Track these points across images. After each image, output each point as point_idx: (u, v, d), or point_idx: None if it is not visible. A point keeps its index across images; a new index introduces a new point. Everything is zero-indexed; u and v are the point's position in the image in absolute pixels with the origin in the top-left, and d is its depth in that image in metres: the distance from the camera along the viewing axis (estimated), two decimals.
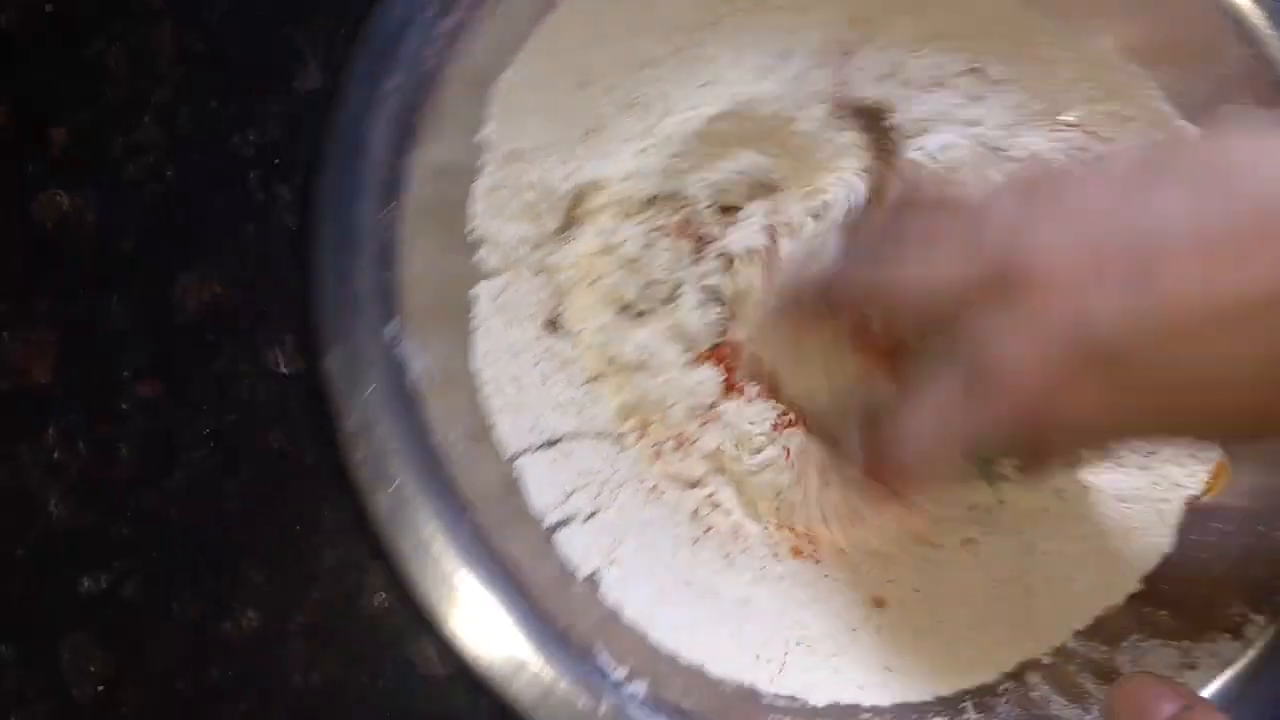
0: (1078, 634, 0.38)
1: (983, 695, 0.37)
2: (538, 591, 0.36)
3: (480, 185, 0.41)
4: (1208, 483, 0.40)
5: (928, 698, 0.37)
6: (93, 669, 0.38)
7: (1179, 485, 0.40)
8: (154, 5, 0.43)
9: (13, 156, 0.42)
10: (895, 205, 0.34)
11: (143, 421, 0.40)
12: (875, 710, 0.37)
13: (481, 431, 0.39)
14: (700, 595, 0.39)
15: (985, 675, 0.38)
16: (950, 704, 0.37)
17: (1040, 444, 0.28)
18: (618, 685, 0.35)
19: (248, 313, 0.41)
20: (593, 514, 0.40)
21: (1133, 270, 0.25)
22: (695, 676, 0.37)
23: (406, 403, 0.38)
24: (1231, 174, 0.25)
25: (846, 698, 0.37)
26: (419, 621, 0.38)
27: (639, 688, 0.35)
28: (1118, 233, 0.26)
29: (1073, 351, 0.26)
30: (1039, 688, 0.37)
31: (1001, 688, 0.38)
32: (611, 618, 0.38)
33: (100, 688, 0.38)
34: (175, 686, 0.38)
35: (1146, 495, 0.40)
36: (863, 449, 0.36)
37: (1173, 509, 0.39)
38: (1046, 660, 0.38)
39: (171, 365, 0.40)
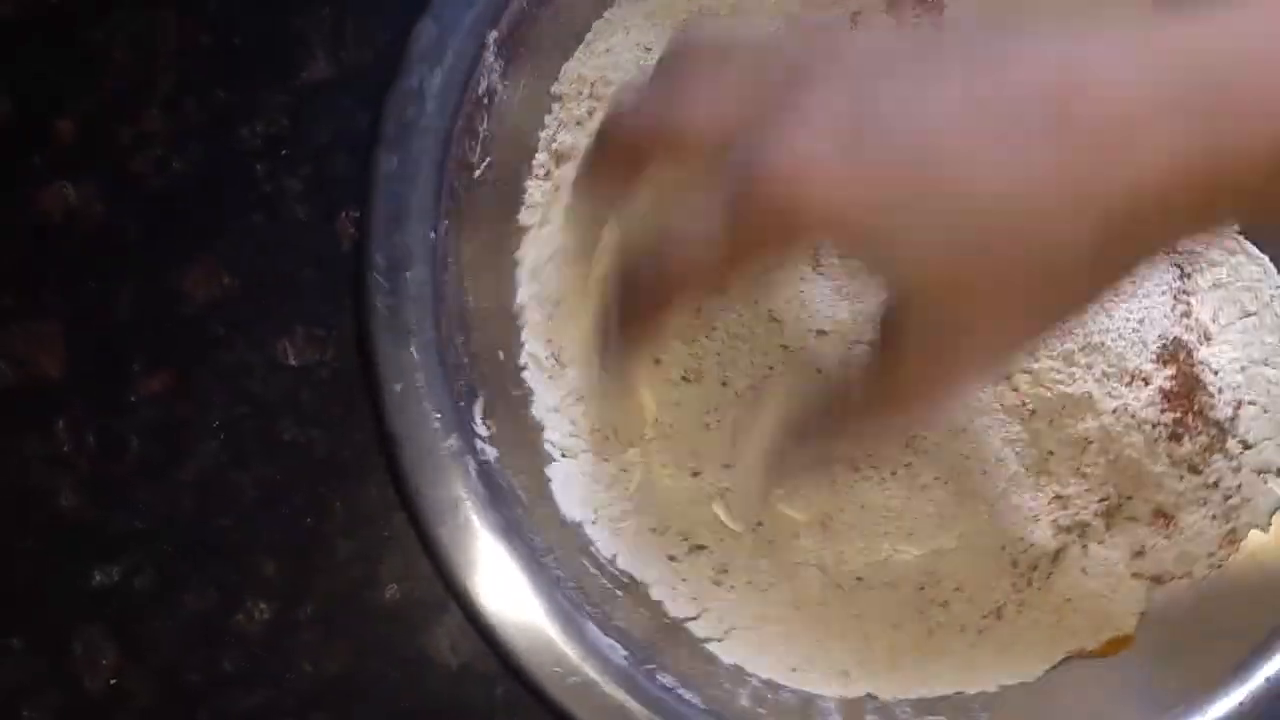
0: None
1: None
2: (563, 579, 0.36)
3: None
4: (1104, 644, 0.38)
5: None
6: (104, 661, 0.38)
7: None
8: None
9: (18, 149, 0.41)
10: (666, 54, 0.32)
11: (152, 414, 0.40)
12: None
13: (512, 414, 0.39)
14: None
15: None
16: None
17: (787, 234, 0.27)
18: (648, 674, 0.35)
19: (257, 304, 0.40)
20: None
21: (885, 73, 0.27)
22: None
23: (446, 389, 0.37)
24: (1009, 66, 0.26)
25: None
26: (431, 613, 0.38)
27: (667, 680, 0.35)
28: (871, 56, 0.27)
29: (835, 136, 0.26)
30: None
31: None
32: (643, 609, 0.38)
33: (112, 680, 0.38)
34: (187, 678, 0.38)
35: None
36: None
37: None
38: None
39: (180, 357, 0.40)
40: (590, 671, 0.34)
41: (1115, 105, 0.25)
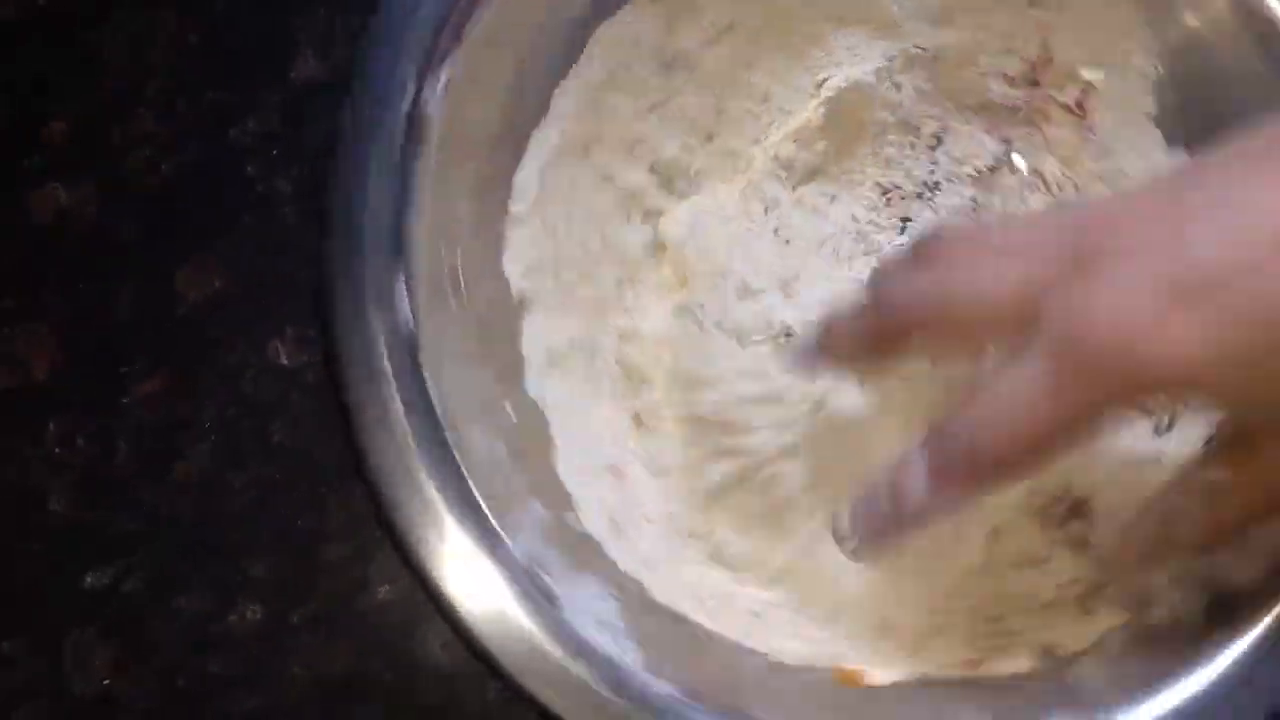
0: None
1: None
2: (553, 580, 0.35)
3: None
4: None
5: None
6: (97, 664, 0.38)
7: None
8: None
9: (10, 150, 0.41)
10: (924, 235, 0.32)
11: (144, 415, 0.40)
12: None
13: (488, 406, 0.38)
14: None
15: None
16: None
17: (1131, 393, 0.27)
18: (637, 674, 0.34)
19: (249, 305, 0.40)
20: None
21: (1205, 214, 0.25)
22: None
23: (421, 392, 0.36)
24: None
25: None
26: (424, 613, 0.38)
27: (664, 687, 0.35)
28: (1188, 199, 0.26)
29: (1163, 289, 0.25)
30: None
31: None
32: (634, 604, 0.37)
33: (105, 682, 0.38)
34: (179, 681, 0.38)
35: None
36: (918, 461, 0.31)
37: None
38: None
39: (173, 359, 0.40)
40: (581, 672, 0.33)
41: None
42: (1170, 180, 0.29)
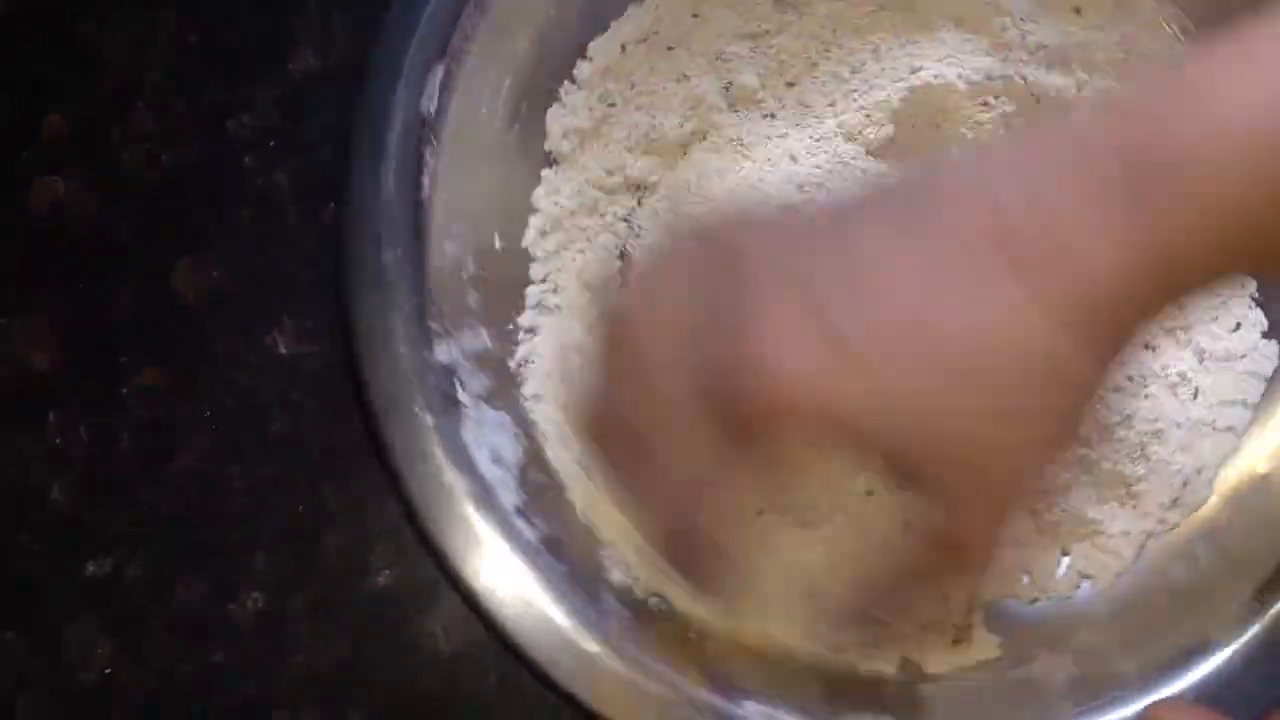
0: None
1: None
2: (560, 570, 0.35)
3: None
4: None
5: None
6: (97, 653, 0.38)
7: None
8: None
9: (9, 144, 0.42)
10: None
11: (144, 407, 0.40)
12: None
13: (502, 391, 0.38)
14: None
15: None
16: None
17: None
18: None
19: (247, 297, 0.41)
20: None
21: (856, 294, 0.26)
22: None
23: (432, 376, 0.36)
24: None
25: None
26: (423, 602, 0.38)
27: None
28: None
29: (816, 338, 0.26)
30: None
31: None
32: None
33: (106, 671, 0.38)
34: (179, 669, 0.38)
35: None
36: None
37: None
38: None
39: (172, 351, 0.40)
40: (592, 647, 0.33)
41: (1053, 217, 0.25)
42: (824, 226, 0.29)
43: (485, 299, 0.38)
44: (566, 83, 0.40)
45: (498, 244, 0.39)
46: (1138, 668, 0.35)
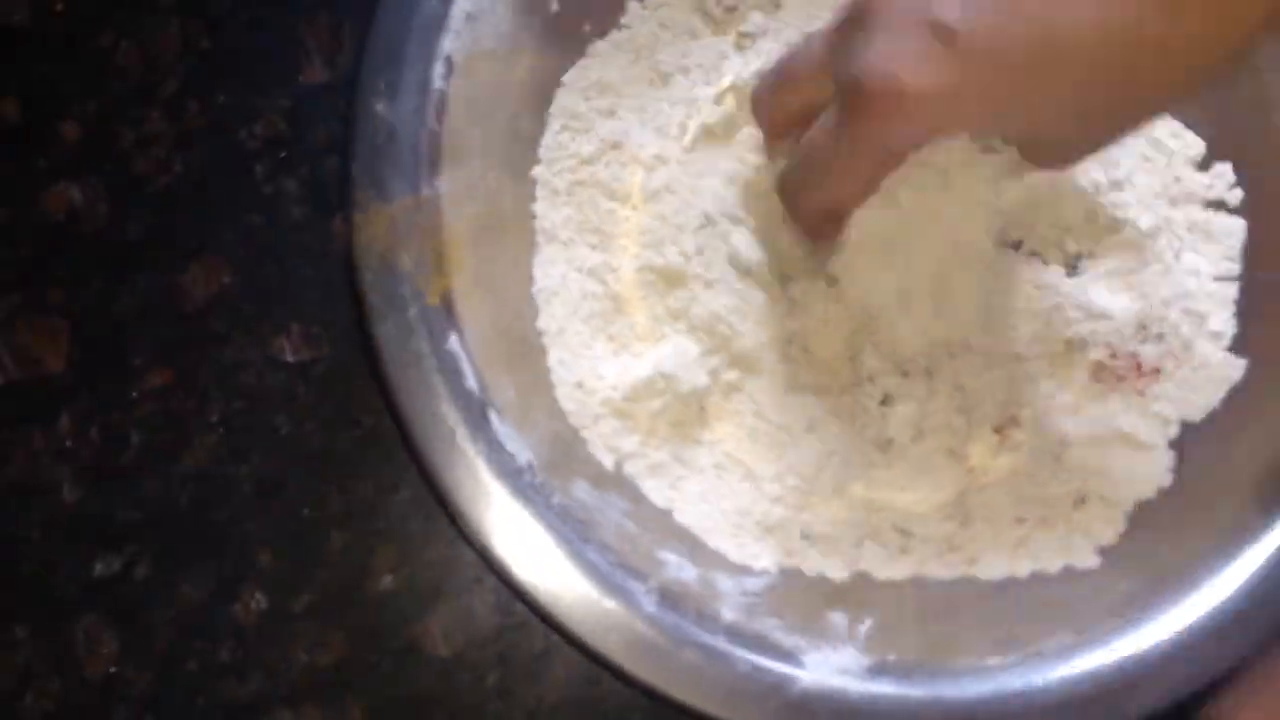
0: None
1: None
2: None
3: None
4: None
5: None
6: (104, 650, 0.39)
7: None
8: (161, 1, 0.43)
9: (24, 150, 0.42)
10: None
11: (153, 408, 0.41)
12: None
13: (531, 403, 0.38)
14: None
15: None
16: None
17: (904, 122, 0.31)
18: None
19: (256, 301, 0.41)
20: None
21: None
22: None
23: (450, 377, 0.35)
24: None
25: None
26: (425, 602, 0.39)
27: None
28: None
29: (926, 33, 0.29)
30: None
31: None
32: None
33: (112, 668, 0.39)
34: (185, 667, 0.39)
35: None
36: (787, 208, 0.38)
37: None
38: None
39: (181, 353, 0.41)
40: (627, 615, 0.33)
41: None
42: None
43: None
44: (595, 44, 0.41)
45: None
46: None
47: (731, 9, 0.42)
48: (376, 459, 0.40)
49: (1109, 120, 0.31)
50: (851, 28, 0.31)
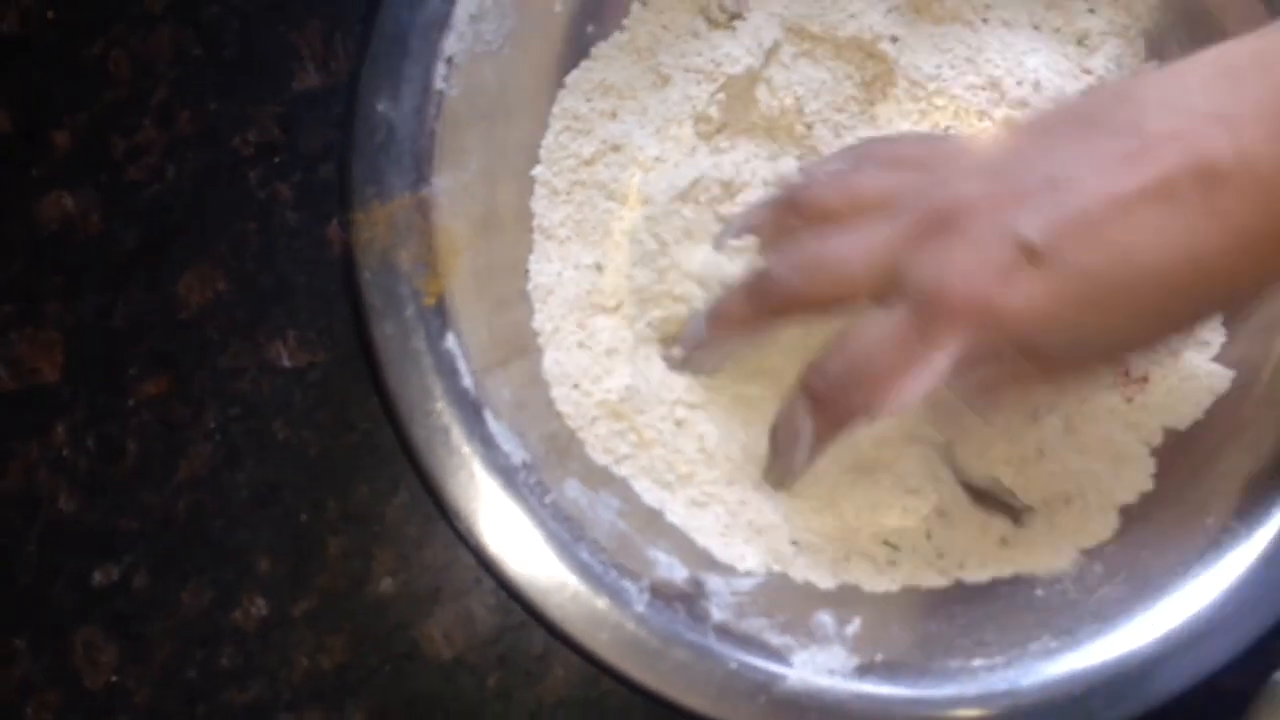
0: None
1: None
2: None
3: None
4: None
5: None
6: (104, 660, 0.39)
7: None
8: (152, 9, 0.43)
9: (16, 159, 0.43)
10: (777, 203, 0.36)
11: (149, 417, 0.41)
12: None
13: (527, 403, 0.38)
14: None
15: None
16: None
17: (996, 354, 0.30)
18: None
19: (251, 309, 0.41)
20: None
21: (1045, 189, 0.29)
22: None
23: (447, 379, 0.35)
24: (1119, 108, 0.29)
25: None
26: (424, 605, 0.39)
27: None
28: (1028, 172, 0.30)
29: (1010, 252, 0.29)
30: None
31: None
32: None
33: (112, 677, 0.39)
34: (185, 674, 0.39)
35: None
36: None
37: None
38: None
39: (176, 361, 0.41)
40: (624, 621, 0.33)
41: (1246, 146, 0.27)
42: (1000, 152, 0.32)
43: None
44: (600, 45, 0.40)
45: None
46: None
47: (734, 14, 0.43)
48: (374, 463, 0.40)
49: (1163, 330, 0.31)
50: (924, 231, 0.30)
